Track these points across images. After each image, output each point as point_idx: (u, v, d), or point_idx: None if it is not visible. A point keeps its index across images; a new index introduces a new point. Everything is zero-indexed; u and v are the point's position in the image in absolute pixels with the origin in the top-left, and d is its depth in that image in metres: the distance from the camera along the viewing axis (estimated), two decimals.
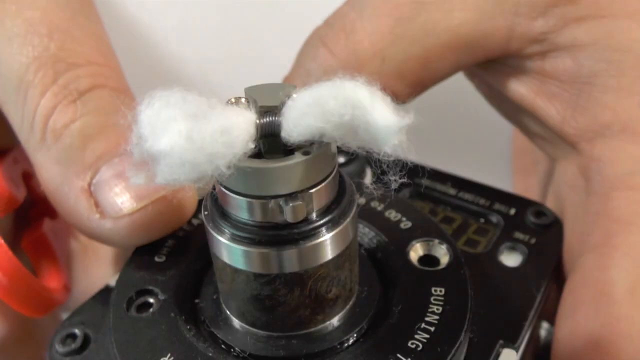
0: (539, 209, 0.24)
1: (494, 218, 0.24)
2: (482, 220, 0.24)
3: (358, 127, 0.14)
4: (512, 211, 0.24)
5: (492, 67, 0.23)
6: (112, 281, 0.22)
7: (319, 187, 0.16)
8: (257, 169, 0.16)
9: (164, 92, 0.15)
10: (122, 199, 0.19)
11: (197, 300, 0.20)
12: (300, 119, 0.15)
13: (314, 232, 0.17)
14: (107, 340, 0.20)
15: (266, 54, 0.33)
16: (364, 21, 0.22)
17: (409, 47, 0.22)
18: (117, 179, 0.19)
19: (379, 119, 0.14)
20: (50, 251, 0.26)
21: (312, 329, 0.18)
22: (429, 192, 0.25)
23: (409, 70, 0.22)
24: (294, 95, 0.15)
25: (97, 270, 0.29)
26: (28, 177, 0.25)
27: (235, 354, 0.18)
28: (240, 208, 0.16)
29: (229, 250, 0.17)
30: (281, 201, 0.16)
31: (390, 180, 0.15)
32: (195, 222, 0.22)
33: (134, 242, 0.20)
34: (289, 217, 0.16)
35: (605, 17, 0.21)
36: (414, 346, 0.17)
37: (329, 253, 0.17)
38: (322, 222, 0.17)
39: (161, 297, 0.20)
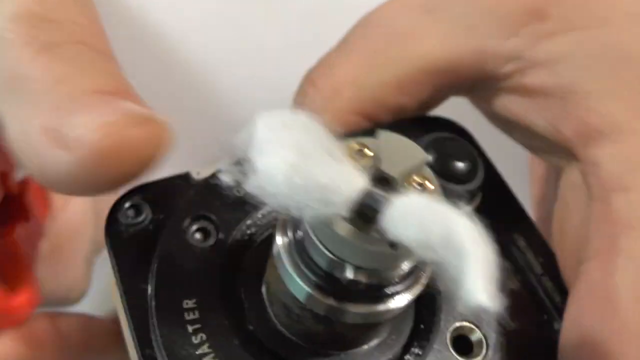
0: None
1: None
2: None
3: (446, 270, 0.13)
4: None
5: (479, 90, 0.24)
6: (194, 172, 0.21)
7: None
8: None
9: (288, 114, 0.15)
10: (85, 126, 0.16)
11: None
12: (397, 226, 0.14)
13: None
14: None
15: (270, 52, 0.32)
16: (341, 56, 0.24)
17: (383, 74, 0.23)
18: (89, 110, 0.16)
19: (468, 285, 0.13)
20: (21, 260, 0.23)
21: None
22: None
23: (385, 95, 0.23)
24: (407, 199, 0.14)
25: (68, 272, 0.26)
26: (4, 177, 0.21)
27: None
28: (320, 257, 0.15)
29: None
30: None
31: None
32: None
33: (100, 182, 0.17)
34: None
35: (575, 29, 0.22)
36: None
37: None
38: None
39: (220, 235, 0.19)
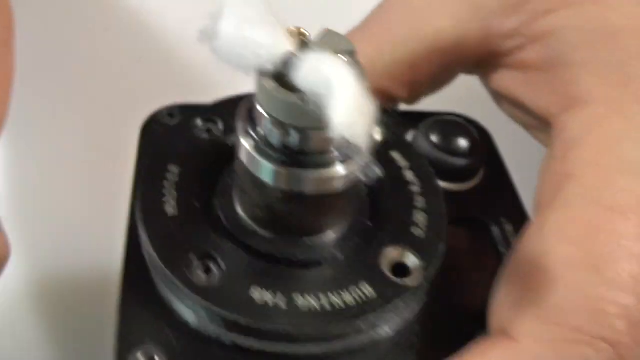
0: None
1: None
2: None
3: (324, 108, 0.16)
4: None
5: (484, 67, 0.26)
6: None
7: None
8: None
9: None
10: None
11: None
12: (299, 75, 0.16)
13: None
14: None
15: None
16: (360, 34, 0.27)
17: (395, 51, 0.26)
18: None
19: (332, 117, 0.15)
20: None
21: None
22: None
23: (398, 72, 0.26)
24: (313, 54, 0.17)
25: None
26: None
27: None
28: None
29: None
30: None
31: None
32: None
33: None
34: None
35: (572, 5, 0.23)
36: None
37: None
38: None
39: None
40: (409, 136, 0.26)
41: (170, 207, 0.21)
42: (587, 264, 0.19)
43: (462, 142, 0.25)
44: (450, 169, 0.25)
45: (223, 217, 0.21)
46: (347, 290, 0.20)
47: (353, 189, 0.20)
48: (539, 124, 0.25)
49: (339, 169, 0.19)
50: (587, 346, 0.19)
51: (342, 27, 0.28)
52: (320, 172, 0.19)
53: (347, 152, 0.18)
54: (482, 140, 0.27)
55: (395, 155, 0.24)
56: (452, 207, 0.24)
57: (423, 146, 0.25)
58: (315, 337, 0.19)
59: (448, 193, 0.25)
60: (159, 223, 0.20)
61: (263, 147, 0.19)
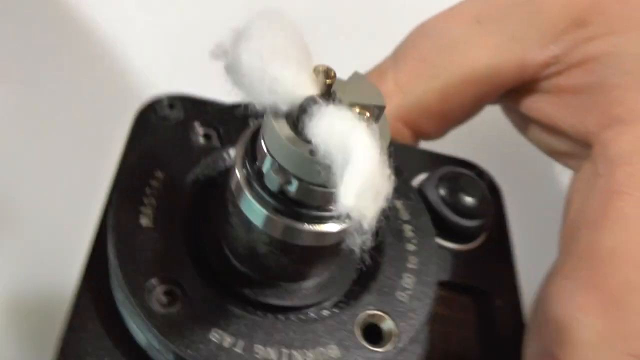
0: None
1: None
2: None
3: (334, 174, 0.14)
4: None
5: (514, 93, 0.25)
6: None
7: None
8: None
9: (279, 17, 0.16)
10: None
11: None
12: (314, 126, 0.15)
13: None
14: None
15: None
16: (393, 63, 0.26)
17: (429, 82, 0.25)
18: None
19: (342, 188, 0.14)
20: None
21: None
22: None
23: (429, 103, 0.25)
24: (332, 108, 0.15)
25: None
26: None
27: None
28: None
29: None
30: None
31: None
32: None
33: None
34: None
35: (614, 33, 0.23)
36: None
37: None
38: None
39: None
40: (418, 179, 0.25)
41: (147, 218, 0.19)
42: None
43: (470, 203, 0.24)
44: (452, 228, 0.23)
45: (201, 242, 0.19)
46: (313, 349, 0.18)
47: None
48: (570, 148, 0.24)
49: (333, 226, 0.17)
50: None
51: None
52: (314, 226, 0.17)
53: (347, 221, 0.17)
54: (492, 198, 0.25)
55: (399, 205, 0.22)
56: (444, 268, 0.23)
57: (430, 195, 0.24)
58: None
59: (444, 251, 0.24)
60: (130, 232, 0.19)
61: (258, 188, 0.17)
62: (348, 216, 0.14)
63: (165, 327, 0.17)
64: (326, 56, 0.16)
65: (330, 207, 0.17)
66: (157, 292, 0.18)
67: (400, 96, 0.25)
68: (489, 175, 0.26)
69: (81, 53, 0.36)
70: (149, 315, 0.17)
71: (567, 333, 0.20)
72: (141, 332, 0.18)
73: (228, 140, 0.22)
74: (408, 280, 0.20)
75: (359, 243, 0.15)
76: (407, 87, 0.25)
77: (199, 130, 0.22)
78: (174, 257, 0.19)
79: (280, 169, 0.16)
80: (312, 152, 0.15)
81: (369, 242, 0.15)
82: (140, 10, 0.37)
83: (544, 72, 0.24)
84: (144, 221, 0.19)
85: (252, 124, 0.18)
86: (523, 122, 0.26)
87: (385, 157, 0.14)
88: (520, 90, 0.25)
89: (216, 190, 0.20)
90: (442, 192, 0.24)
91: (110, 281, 0.19)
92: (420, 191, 0.24)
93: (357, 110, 0.16)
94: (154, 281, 0.18)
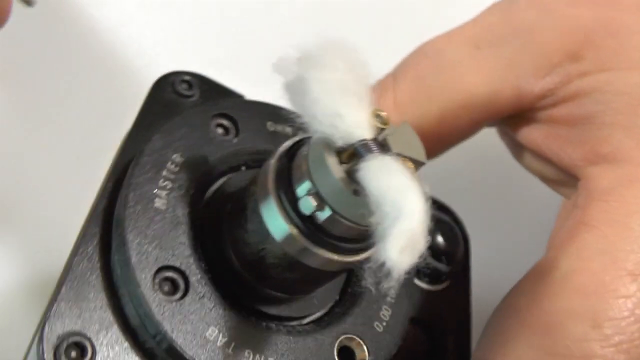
0: None
1: None
2: None
3: (381, 226, 0.15)
4: None
5: (510, 121, 0.27)
6: None
7: None
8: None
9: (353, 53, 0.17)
10: None
11: None
12: (367, 173, 0.16)
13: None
14: None
15: None
16: (392, 82, 0.26)
17: (425, 104, 0.25)
18: None
19: (388, 242, 0.15)
20: None
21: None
22: None
23: (426, 125, 0.25)
24: (389, 159, 0.16)
25: None
26: None
27: None
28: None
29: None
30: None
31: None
32: None
33: None
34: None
35: (607, 70, 0.24)
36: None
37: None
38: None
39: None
40: None
41: (161, 200, 0.19)
42: (591, 319, 0.20)
43: (445, 247, 0.25)
44: (425, 268, 0.25)
45: (207, 236, 0.20)
46: None
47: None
48: (560, 177, 0.25)
49: (352, 257, 0.18)
50: None
51: None
52: (330, 253, 0.18)
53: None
54: (462, 245, 0.27)
55: None
56: (414, 304, 0.24)
57: None
58: None
59: (419, 290, 0.25)
60: (143, 210, 0.19)
61: (287, 205, 0.17)
62: (383, 264, 0.15)
63: (163, 312, 0.18)
64: None
65: (353, 239, 0.18)
66: (160, 277, 0.18)
67: (396, 116, 0.26)
68: (461, 223, 0.28)
69: (80, 51, 0.35)
70: (149, 298, 0.18)
71: (506, 346, 0.21)
72: (135, 312, 0.18)
73: (244, 138, 0.22)
74: (385, 313, 0.22)
75: (375, 282, 0.16)
76: (404, 108, 0.25)
77: (217, 119, 0.22)
78: (181, 244, 0.19)
79: (317, 197, 0.17)
80: (356, 192, 0.16)
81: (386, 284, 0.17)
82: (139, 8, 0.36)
83: (539, 103, 0.25)
84: (159, 204, 0.19)
85: (290, 139, 0.19)
86: (516, 148, 0.27)
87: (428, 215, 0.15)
88: (515, 117, 0.26)
89: (232, 191, 0.20)
90: None
91: (111, 255, 0.19)
92: None
93: (402, 160, 0.17)
94: (158, 266, 0.18)
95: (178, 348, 0.18)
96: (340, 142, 0.16)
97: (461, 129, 0.26)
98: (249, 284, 0.20)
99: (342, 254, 0.18)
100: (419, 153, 0.17)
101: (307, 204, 0.17)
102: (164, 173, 0.20)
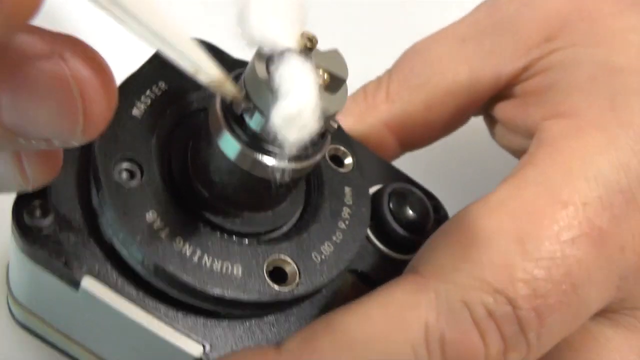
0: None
1: None
2: None
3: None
4: None
5: (489, 101, 0.29)
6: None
7: None
8: None
9: None
10: None
11: None
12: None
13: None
14: None
15: None
16: (388, 75, 0.30)
17: (414, 92, 0.28)
18: None
19: (275, 119, 0.17)
20: None
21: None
22: None
23: (414, 111, 0.28)
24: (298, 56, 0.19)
25: None
26: None
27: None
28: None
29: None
30: None
31: None
32: None
33: None
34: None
35: (575, 46, 0.26)
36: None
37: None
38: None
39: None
40: (374, 188, 0.28)
41: (138, 110, 0.23)
42: (516, 235, 0.21)
43: (411, 217, 0.26)
44: (390, 233, 0.26)
45: (171, 147, 0.23)
46: (222, 261, 0.21)
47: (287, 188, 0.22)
48: (525, 142, 0.26)
49: (271, 161, 0.20)
50: (487, 295, 0.21)
51: None
52: (261, 156, 0.20)
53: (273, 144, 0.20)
54: (432, 220, 0.28)
55: (347, 190, 0.25)
56: (367, 261, 0.26)
57: (382, 199, 0.27)
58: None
59: (382, 254, 0.27)
60: (120, 115, 0.22)
61: (228, 113, 0.20)
62: (275, 138, 0.17)
63: (114, 194, 0.21)
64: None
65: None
66: (122, 166, 0.21)
67: (389, 104, 0.29)
68: (445, 211, 0.29)
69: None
70: (105, 182, 0.21)
71: (431, 254, 0.23)
72: (97, 193, 0.21)
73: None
74: (327, 249, 0.23)
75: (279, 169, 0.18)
76: (395, 96, 0.29)
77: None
78: (147, 147, 0.22)
79: (246, 97, 0.19)
80: (268, 84, 0.19)
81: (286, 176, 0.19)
82: None
83: (515, 81, 0.27)
84: (135, 112, 0.23)
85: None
86: (492, 125, 0.29)
87: (319, 104, 0.18)
88: (495, 97, 0.28)
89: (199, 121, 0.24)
90: (392, 199, 0.27)
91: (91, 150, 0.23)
92: (376, 195, 0.27)
93: (321, 72, 0.19)
94: (121, 156, 0.21)
95: (117, 224, 0.21)
96: (267, 50, 0.19)
97: (448, 115, 0.29)
98: (200, 194, 0.22)
99: (259, 151, 0.20)
100: (340, 70, 0.20)
101: (238, 104, 0.20)
102: (147, 92, 0.23)
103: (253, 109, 0.20)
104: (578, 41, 0.26)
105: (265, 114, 0.19)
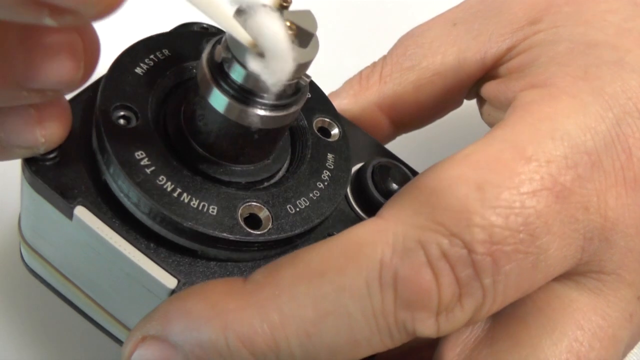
0: None
1: None
2: None
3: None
4: None
5: (479, 82, 0.30)
6: None
7: None
8: None
9: None
10: None
11: None
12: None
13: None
14: None
15: None
16: (382, 60, 0.31)
17: (405, 73, 0.30)
18: None
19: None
20: None
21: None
22: None
23: (404, 91, 0.30)
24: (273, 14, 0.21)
25: None
26: None
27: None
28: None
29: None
30: None
31: None
32: None
33: None
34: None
35: (557, 27, 0.27)
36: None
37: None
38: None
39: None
40: (357, 166, 0.29)
41: (141, 69, 0.26)
42: (476, 183, 0.22)
43: (392, 187, 0.28)
44: (370, 200, 0.28)
45: (168, 102, 0.25)
46: (200, 200, 0.23)
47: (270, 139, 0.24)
48: None
49: (255, 110, 0.22)
50: (443, 237, 0.21)
51: None
52: (242, 106, 0.22)
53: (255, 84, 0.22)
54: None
55: (330, 157, 0.27)
56: (343, 223, 0.27)
57: (366, 169, 0.28)
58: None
59: (350, 212, 0.28)
60: (124, 70, 0.25)
61: (214, 67, 0.23)
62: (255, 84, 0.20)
63: (111, 135, 0.23)
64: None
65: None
66: (120, 113, 0.24)
67: (381, 85, 0.31)
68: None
69: None
70: (107, 124, 0.24)
71: (395, 201, 0.23)
72: (95, 135, 0.24)
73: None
74: (302, 203, 0.25)
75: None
76: (386, 79, 0.30)
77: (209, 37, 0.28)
78: (144, 99, 0.25)
79: (225, 47, 0.22)
80: (254, 47, 0.21)
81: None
82: None
83: (500, 62, 0.29)
84: (138, 70, 0.25)
85: None
86: (480, 104, 0.31)
87: (290, 47, 0.20)
88: (483, 79, 0.30)
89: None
90: (376, 170, 0.28)
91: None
92: (362, 167, 0.29)
93: (289, 24, 0.21)
94: (120, 103, 0.24)
95: (110, 159, 0.23)
96: (244, 6, 0.21)
97: (437, 95, 0.30)
98: (187, 142, 0.25)
99: (242, 103, 0.22)
100: (310, 26, 0.22)
101: (218, 52, 0.22)
102: (152, 56, 0.26)
103: (231, 59, 0.22)
104: (560, 22, 0.27)
105: (241, 62, 0.22)
